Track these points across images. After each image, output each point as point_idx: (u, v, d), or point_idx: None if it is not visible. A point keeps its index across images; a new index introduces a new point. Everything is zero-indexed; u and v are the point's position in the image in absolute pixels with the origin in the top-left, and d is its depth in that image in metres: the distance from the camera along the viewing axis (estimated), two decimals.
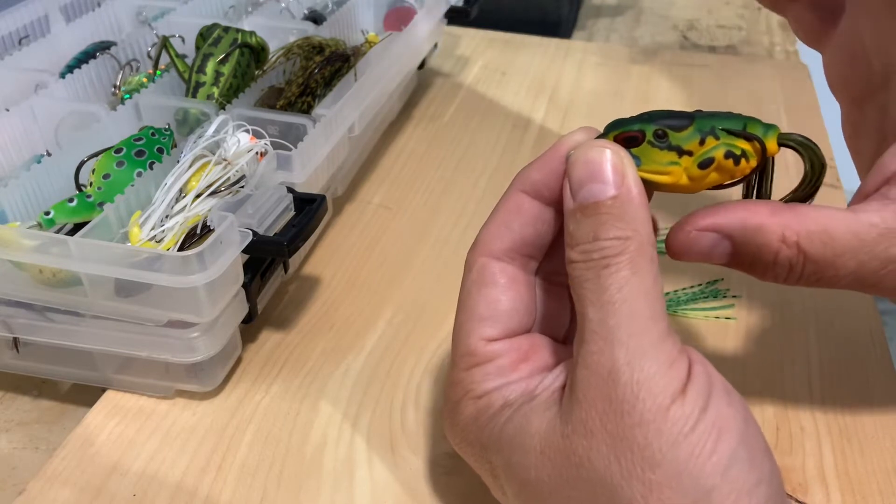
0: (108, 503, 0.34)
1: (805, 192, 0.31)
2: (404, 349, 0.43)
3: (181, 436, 0.38)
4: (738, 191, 0.32)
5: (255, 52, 0.52)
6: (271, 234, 0.39)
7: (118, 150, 0.42)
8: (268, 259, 0.41)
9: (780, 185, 0.31)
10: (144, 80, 0.52)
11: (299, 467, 0.36)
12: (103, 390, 0.40)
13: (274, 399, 0.40)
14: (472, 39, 0.80)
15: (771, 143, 0.29)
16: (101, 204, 0.40)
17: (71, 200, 0.40)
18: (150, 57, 0.55)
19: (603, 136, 0.30)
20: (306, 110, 0.50)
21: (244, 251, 0.37)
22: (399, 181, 0.58)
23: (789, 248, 0.29)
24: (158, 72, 0.53)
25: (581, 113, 0.67)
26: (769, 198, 0.31)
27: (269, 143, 0.43)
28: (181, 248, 0.37)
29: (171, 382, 0.39)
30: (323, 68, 0.51)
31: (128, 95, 0.51)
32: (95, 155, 0.43)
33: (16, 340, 0.39)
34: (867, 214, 0.29)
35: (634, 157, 0.29)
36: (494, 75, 0.73)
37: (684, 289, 0.47)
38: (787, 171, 0.32)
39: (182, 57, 0.52)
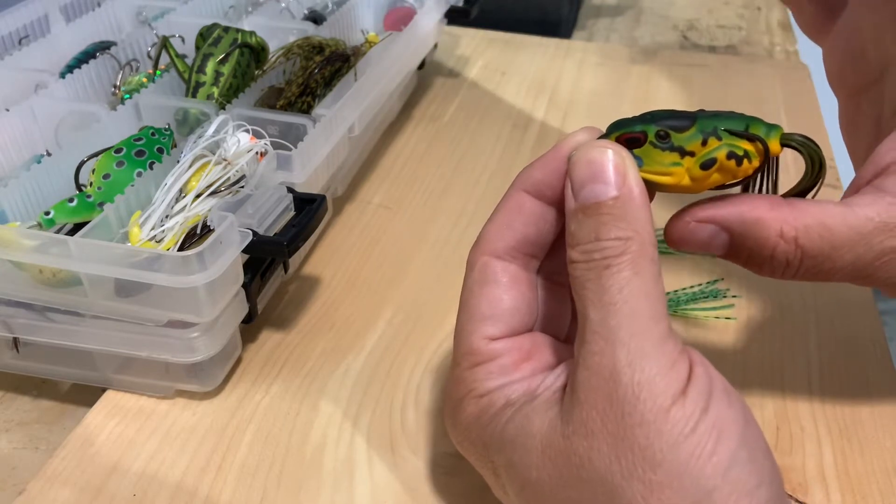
0: (108, 503, 0.34)
1: (803, 189, 0.31)
2: (404, 349, 0.43)
3: (181, 436, 0.38)
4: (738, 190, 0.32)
5: (255, 52, 0.52)
6: (271, 234, 0.39)
7: (118, 150, 0.42)
8: (268, 259, 0.41)
9: (781, 185, 0.31)
10: (144, 80, 0.52)
11: (299, 467, 0.36)
12: (103, 390, 0.40)
13: (274, 399, 0.40)
14: (472, 39, 0.80)
15: (774, 144, 0.29)
16: (101, 204, 0.40)
17: (71, 200, 0.40)
18: (150, 57, 0.55)
19: (605, 136, 0.30)
20: (306, 110, 0.50)
21: (244, 251, 0.37)
22: (399, 181, 0.58)
23: (787, 244, 0.29)
24: (158, 72, 0.53)
25: (581, 113, 0.67)
26: None
27: (269, 143, 0.43)
28: (181, 248, 0.37)
29: (171, 382, 0.39)
30: (323, 68, 0.51)
31: (128, 95, 0.51)
32: (95, 155, 0.43)
33: (16, 340, 0.39)
34: (862, 208, 0.29)
35: (636, 157, 0.29)
36: (494, 75, 0.73)
37: (684, 289, 0.47)
38: (787, 170, 0.32)
39: (182, 57, 0.52)
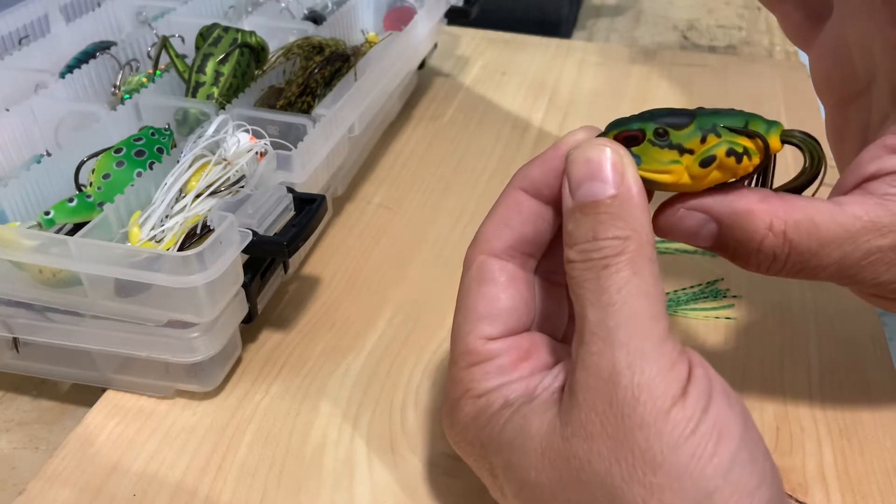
0: (108, 503, 0.34)
1: (800, 183, 0.31)
2: (404, 349, 0.43)
3: (181, 436, 0.38)
4: None
5: (255, 52, 0.52)
6: (271, 234, 0.39)
7: (118, 150, 0.42)
8: (268, 259, 0.41)
9: (780, 182, 0.31)
10: (144, 80, 0.52)
11: (299, 467, 0.36)
12: (103, 390, 0.40)
13: (274, 399, 0.40)
14: (472, 39, 0.80)
15: (774, 141, 0.29)
16: (101, 204, 0.40)
17: (71, 200, 0.40)
18: (150, 57, 0.55)
19: (603, 135, 0.30)
20: (306, 110, 0.50)
21: (244, 251, 0.37)
22: (399, 181, 0.58)
23: (775, 237, 0.29)
24: (158, 72, 0.53)
25: (581, 113, 0.67)
26: None
27: (269, 143, 0.43)
28: (181, 248, 0.37)
29: (171, 382, 0.39)
30: (323, 68, 0.51)
31: (128, 95, 0.51)
32: (95, 155, 0.43)
33: (16, 340, 0.39)
34: (851, 206, 0.29)
35: (635, 156, 0.29)
36: (494, 75, 0.73)
37: (684, 289, 0.47)
38: (787, 169, 0.32)
39: (182, 57, 0.52)
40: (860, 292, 0.33)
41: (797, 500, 0.35)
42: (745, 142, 0.29)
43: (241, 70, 0.51)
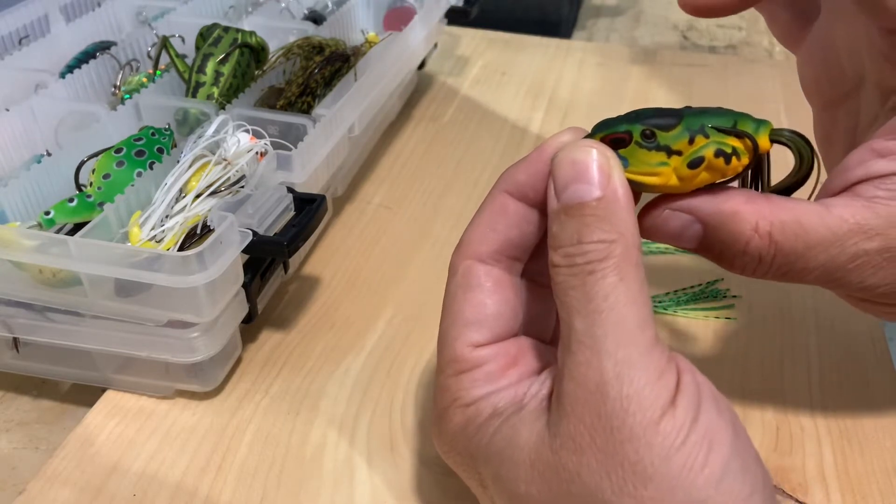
0: (108, 503, 0.34)
1: (790, 183, 0.30)
2: (404, 349, 0.43)
3: (181, 436, 0.38)
4: None
5: (255, 52, 0.52)
6: (271, 234, 0.39)
7: (118, 150, 0.42)
8: (268, 259, 0.41)
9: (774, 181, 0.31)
10: (144, 80, 0.52)
11: (299, 467, 0.36)
12: (103, 390, 0.40)
13: (274, 399, 0.40)
14: (472, 39, 0.80)
15: (763, 140, 0.29)
16: (101, 204, 0.40)
17: (71, 200, 0.40)
18: (150, 57, 0.55)
19: (590, 137, 0.29)
20: (306, 110, 0.50)
21: (244, 251, 0.37)
22: (399, 181, 0.58)
23: (761, 238, 0.29)
24: (158, 72, 0.53)
25: (581, 113, 0.67)
26: None
27: (269, 143, 0.43)
28: (181, 248, 0.37)
29: (171, 382, 0.39)
30: (323, 68, 0.51)
31: (128, 95, 0.51)
32: (95, 155, 0.43)
33: (16, 340, 0.39)
34: (838, 209, 0.29)
35: (622, 158, 0.28)
36: (494, 75, 0.73)
37: (684, 289, 0.47)
38: (777, 166, 0.32)
39: (182, 57, 0.52)
40: (846, 296, 0.32)
41: (797, 501, 0.35)
42: (734, 142, 0.28)
43: (241, 70, 0.51)
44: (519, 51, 0.78)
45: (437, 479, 0.36)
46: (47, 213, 0.39)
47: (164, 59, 0.53)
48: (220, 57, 0.50)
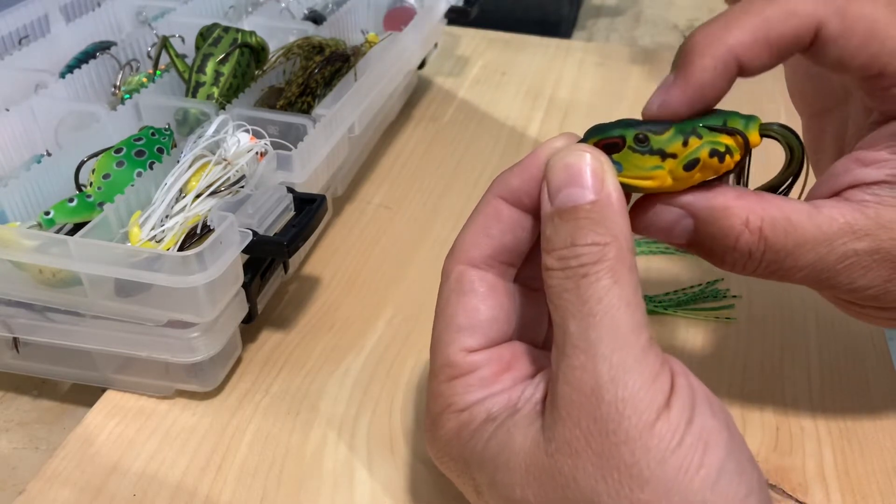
0: (108, 503, 0.34)
1: (781, 180, 0.31)
2: (404, 349, 0.43)
3: (181, 436, 0.38)
4: None
5: (255, 52, 0.52)
6: (271, 234, 0.39)
7: (118, 150, 0.42)
8: (268, 259, 0.41)
9: (763, 180, 0.31)
10: (144, 80, 0.52)
11: (299, 468, 0.36)
12: (103, 390, 0.40)
13: (274, 399, 0.40)
14: (472, 39, 0.80)
15: (753, 136, 0.29)
16: (101, 204, 0.40)
17: (71, 200, 0.40)
18: (150, 57, 0.55)
19: (583, 142, 0.29)
20: (306, 110, 0.50)
21: (244, 251, 0.37)
22: (399, 181, 0.58)
23: (751, 234, 0.29)
24: (158, 72, 0.53)
25: (581, 113, 0.67)
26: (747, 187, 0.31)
27: (269, 143, 0.43)
28: (181, 248, 0.37)
29: (171, 382, 0.39)
30: (323, 68, 0.51)
31: (128, 95, 0.51)
32: (95, 155, 0.43)
33: (16, 340, 0.39)
34: (828, 208, 0.29)
35: (616, 163, 0.28)
36: (494, 75, 0.73)
37: (684, 289, 0.47)
38: (770, 163, 0.32)
39: (182, 57, 0.52)
40: (835, 299, 0.32)
41: (797, 501, 0.35)
42: (726, 139, 0.29)
43: (241, 70, 0.51)
44: (519, 51, 0.78)
45: (436, 479, 0.36)
46: (47, 213, 0.39)
47: (164, 59, 0.53)
48: (220, 57, 0.50)
